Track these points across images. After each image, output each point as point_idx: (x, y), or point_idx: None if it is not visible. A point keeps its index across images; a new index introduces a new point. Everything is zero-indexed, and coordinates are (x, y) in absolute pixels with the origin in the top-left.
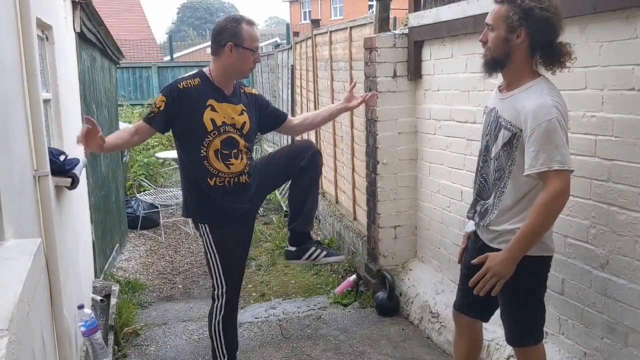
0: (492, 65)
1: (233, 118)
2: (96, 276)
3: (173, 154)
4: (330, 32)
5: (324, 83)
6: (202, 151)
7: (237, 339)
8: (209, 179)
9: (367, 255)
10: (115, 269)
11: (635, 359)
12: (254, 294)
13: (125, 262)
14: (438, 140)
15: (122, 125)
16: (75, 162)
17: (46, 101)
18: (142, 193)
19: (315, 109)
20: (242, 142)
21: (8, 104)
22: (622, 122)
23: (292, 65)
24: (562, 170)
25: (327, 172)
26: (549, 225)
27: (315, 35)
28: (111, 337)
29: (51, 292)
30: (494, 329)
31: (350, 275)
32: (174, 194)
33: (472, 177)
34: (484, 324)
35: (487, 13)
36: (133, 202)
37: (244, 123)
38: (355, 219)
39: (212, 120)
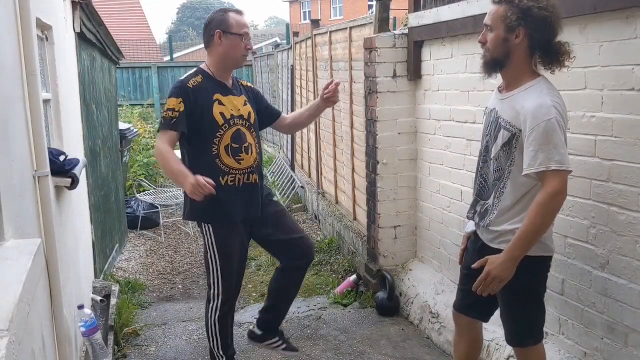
0: (492, 65)
1: (239, 109)
2: (96, 276)
3: None
4: (330, 32)
5: (324, 83)
6: (213, 149)
7: (232, 341)
8: (220, 178)
9: (367, 255)
10: (115, 269)
11: (635, 358)
12: (254, 294)
13: (125, 262)
14: (438, 140)
15: (122, 125)
16: (74, 162)
17: (46, 101)
18: (141, 193)
19: None
20: (249, 133)
21: (8, 104)
22: (621, 122)
23: (292, 65)
24: (560, 170)
25: (327, 172)
26: (548, 225)
27: (315, 35)
28: (111, 337)
29: (51, 292)
30: (493, 329)
31: (350, 275)
32: (174, 194)
33: (471, 177)
34: (484, 324)
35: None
36: (133, 202)
37: (249, 113)
38: (355, 218)
39: (222, 114)
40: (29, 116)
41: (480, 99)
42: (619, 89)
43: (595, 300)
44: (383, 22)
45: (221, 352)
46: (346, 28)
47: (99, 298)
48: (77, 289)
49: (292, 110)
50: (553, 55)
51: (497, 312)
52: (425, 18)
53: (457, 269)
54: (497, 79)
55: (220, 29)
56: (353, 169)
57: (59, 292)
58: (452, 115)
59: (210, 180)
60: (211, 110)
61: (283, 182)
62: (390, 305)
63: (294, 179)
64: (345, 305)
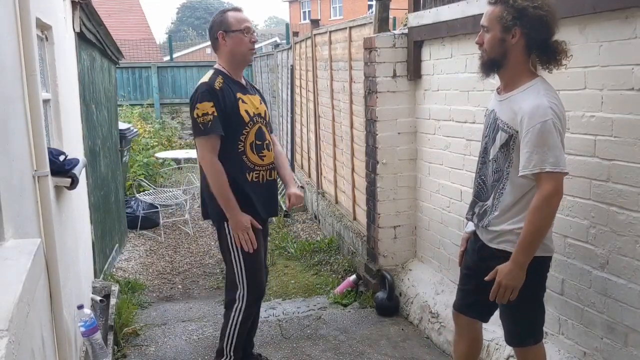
0: (489, 66)
1: (257, 108)
2: (96, 276)
3: (172, 154)
4: (330, 32)
5: (324, 83)
6: (239, 146)
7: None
8: (247, 174)
9: (366, 255)
10: (114, 269)
11: (635, 358)
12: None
13: (125, 262)
14: (437, 140)
15: (122, 125)
16: (74, 162)
17: (46, 101)
18: (141, 193)
19: (315, 108)
20: (267, 131)
21: (8, 104)
22: (621, 122)
23: (292, 65)
24: (554, 172)
25: (327, 172)
26: (547, 227)
27: (314, 35)
28: (111, 337)
29: (51, 292)
30: (493, 329)
31: (350, 275)
32: (174, 194)
33: (471, 177)
34: (484, 324)
35: None
36: (132, 202)
37: (265, 112)
38: (355, 219)
39: (247, 112)
40: (28, 116)
41: (480, 99)
42: (618, 89)
43: (595, 300)
44: (383, 22)
45: (231, 353)
46: (346, 28)
47: (98, 298)
48: (77, 289)
49: (292, 110)
50: (550, 54)
51: (497, 312)
52: (425, 18)
53: (457, 269)
54: (497, 80)
55: (221, 30)
56: (353, 169)
57: (59, 292)
58: (452, 115)
59: (254, 238)
60: (238, 108)
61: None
62: (390, 305)
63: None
64: (345, 305)
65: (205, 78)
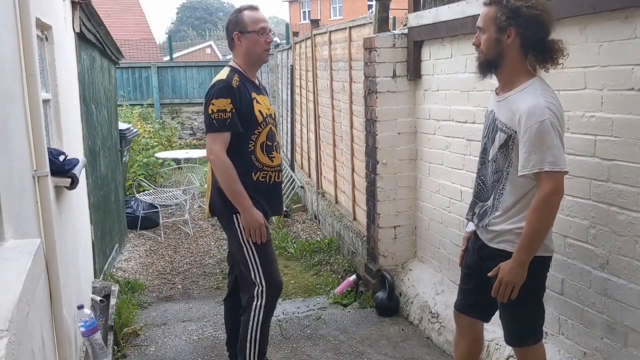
0: (486, 67)
1: (269, 109)
2: (96, 276)
3: (172, 154)
4: (330, 32)
5: (324, 83)
6: (249, 145)
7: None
8: (253, 174)
9: (366, 255)
10: (114, 269)
11: (635, 359)
12: None
13: (125, 262)
14: (437, 140)
15: (122, 125)
16: (74, 162)
17: (46, 101)
18: (141, 193)
19: (315, 108)
20: (276, 132)
21: (8, 104)
22: (621, 122)
23: (292, 65)
24: (554, 171)
25: (327, 172)
26: (549, 226)
27: (314, 35)
28: (111, 337)
29: (51, 292)
30: (494, 329)
31: (350, 276)
32: (174, 194)
33: (471, 177)
34: (484, 324)
35: None
36: (132, 202)
37: (275, 113)
38: (354, 219)
39: (260, 112)
40: (28, 116)
41: (480, 99)
42: (618, 89)
43: (595, 300)
44: (383, 22)
45: (256, 358)
46: (346, 28)
47: (98, 298)
48: (77, 289)
49: (292, 109)
50: (547, 53)
51: (497, 312)
52: (424, 18)
53: (457, 269)
54: (496, 80)
55: (237, 31)
56: (353, 169)
57: (58, 292)
58: (452, 115)
59: (265, 233)
60: (252, 108)
61: (283, 182)
62: (390, 306)
63: (293, 179)
64: (345, 306)
65: (223, 75)
